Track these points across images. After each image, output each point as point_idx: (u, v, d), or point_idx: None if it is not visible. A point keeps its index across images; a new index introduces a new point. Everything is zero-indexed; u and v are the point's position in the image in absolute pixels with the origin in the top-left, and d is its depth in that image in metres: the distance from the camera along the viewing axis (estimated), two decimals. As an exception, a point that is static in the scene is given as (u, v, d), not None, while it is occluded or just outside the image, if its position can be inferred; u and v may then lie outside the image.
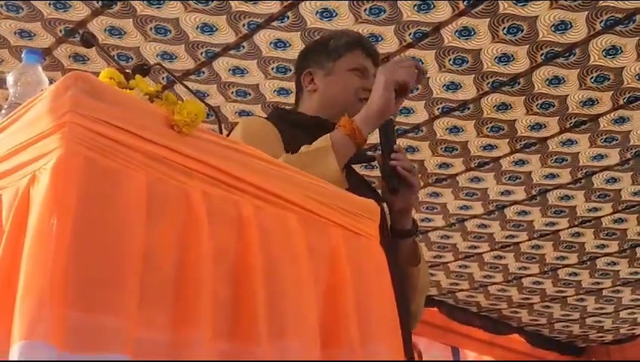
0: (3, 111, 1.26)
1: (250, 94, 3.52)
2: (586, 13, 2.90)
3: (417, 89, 3.30)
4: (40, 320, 0.82)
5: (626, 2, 2.84)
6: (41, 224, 0.88)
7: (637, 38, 3.05)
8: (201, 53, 3.27)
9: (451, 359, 6.12)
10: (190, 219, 1.03)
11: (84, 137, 0.95)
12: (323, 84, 1.98)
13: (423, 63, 3.17)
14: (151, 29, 3.12)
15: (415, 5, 2.90)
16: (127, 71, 1.29)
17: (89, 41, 1.69)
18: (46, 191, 0.91)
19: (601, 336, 6.41)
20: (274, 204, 1.19)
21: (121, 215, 0.95)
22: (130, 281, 0.92)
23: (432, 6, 2.90)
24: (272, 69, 3.35)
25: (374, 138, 1.98)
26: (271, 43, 3.17)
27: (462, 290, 5.54)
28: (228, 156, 1.15)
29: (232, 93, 3.52)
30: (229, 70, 3.37)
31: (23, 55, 1.33)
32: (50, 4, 2.98)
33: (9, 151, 1.03)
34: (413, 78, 1.83)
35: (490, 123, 3.59)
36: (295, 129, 1.86)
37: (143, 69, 1.51)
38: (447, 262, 5.08)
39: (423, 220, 4.52)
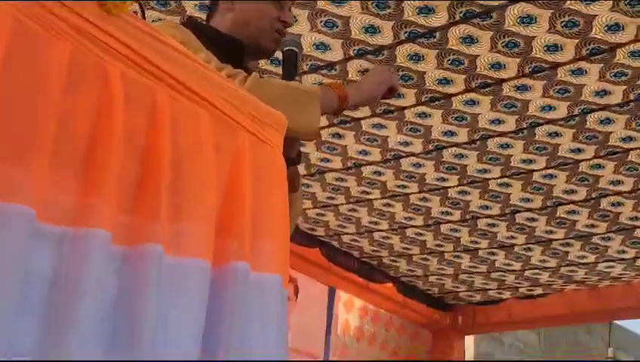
0: None
1: None
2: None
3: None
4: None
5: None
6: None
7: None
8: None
9: (327, 297, 6.35)
10: (107, 92, 1.07)
11: (14, -2, 0.97)
12: (240, 5, 1.97)
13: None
14: None
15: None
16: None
17: None
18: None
19: (470, 296, 6.76)
20: (188, 97, 1.25)
21: (41, 77, 0.98)
22: (42, 140, 0.96)
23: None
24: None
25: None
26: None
27: (347, 233, 5.71)
28: (151, 44, 1.19)
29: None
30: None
31: None
32: None
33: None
34: (398, 88, 2.11)
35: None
36: (210, 46, 1.87)
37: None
38: (338, 205, 5.21)
39: (321, 160, 4.62)
